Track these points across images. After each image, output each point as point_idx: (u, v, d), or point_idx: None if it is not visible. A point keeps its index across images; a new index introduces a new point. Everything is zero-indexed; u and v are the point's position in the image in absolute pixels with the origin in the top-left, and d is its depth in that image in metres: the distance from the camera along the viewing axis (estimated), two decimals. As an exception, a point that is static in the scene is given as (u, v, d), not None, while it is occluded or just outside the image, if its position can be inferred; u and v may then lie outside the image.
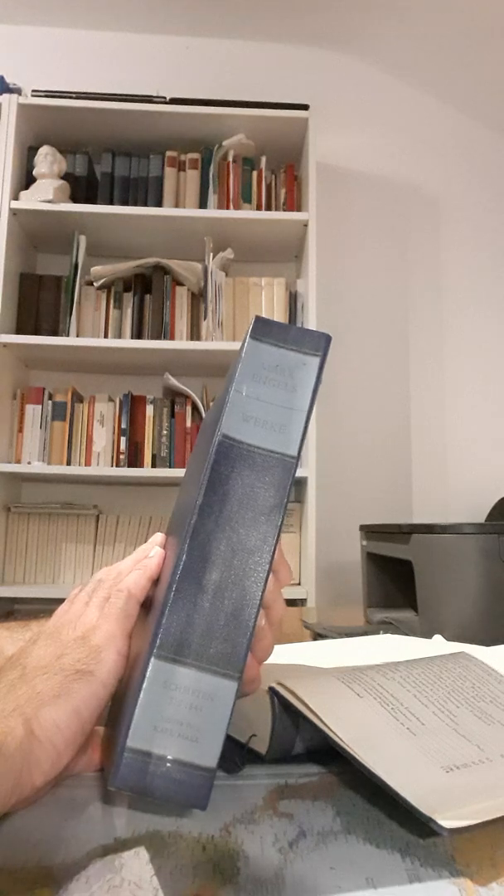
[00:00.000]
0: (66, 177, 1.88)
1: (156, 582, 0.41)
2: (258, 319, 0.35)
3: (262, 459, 0.33)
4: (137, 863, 0.28)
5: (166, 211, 1.86)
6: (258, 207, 1.94)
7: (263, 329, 0.35)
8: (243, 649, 0.32)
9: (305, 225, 1.86)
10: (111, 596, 0.39)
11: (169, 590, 0.32)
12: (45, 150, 1.84)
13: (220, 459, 0.33)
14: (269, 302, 1.90)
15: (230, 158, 1.93)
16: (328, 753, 0.37)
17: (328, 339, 0.35)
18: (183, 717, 0.30)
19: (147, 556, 0.42)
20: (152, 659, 0.31)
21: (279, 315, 1.89)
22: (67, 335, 1.81)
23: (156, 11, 2.12)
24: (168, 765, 0.30)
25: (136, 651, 0.37)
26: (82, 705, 0.33)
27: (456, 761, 0.34)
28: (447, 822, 0.28)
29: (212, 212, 1.87)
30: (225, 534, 0.33)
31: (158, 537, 0.44)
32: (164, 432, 1.84)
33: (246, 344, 0.35)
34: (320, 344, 0.35)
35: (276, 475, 0.33)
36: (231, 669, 0.31)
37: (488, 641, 0.56)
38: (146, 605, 0.40)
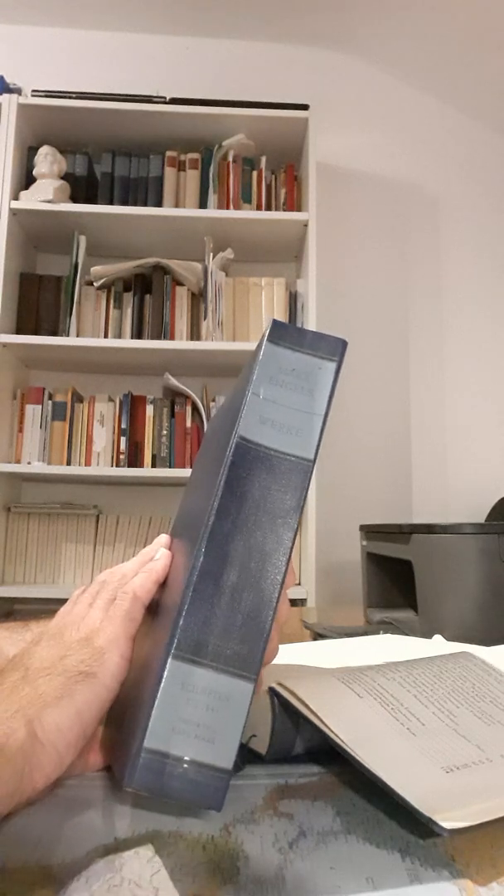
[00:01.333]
0: (66, 177, 1.88)
1: (161, 585, 0.41)
2: (275, 323, 0.35)
3: (279, 462, 0.33)
4: (137, 862, 0.28)
5: (166, 211, 1.86)
6: (258, 207, 1.94)
7: (280, 332, 0.35)
8: (260, 650, 0.32)
9: (305, 225, 1.86)
10: (116, 598, 0.39)
11: (186, 590, 0.32)
12: (45, 150, 1.84)
13: (238, 461, 0.33)
14: (269, 302, 1.90)
15: (230, 158, 1.93)
16: (328, 753, 0.37)
17: (344, 344, 0.35)
18: (200, 719, 0.30)
19: (153, 559, 0.42)
20: (170, 659, 0.31)
21: (279, 315, 1.89)
22: (67, 335, 1.81)
23: (156, 11, 2.12)
24: (185, 766, 0.30)
25: (141, 654, 0.37)
26: (84, 708, 0.33)
27: (456, 761, 0.34)
28: (447, 823, 0.28)
29: (212, 212, 1.87)
30: (242, 536, 0.33)
31: (164, 539, 0.44)
32: (164, 432, 1.84)
33: (263, 347, 0.34)
34: (337, 349, 0.35)
35: (292, 478, 0.33)
36: (248, 671, 0.31)
37: (488, 641, 0.56)
38: (150, 609, 0.40)
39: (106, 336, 1.86)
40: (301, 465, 0.34)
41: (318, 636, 0.79)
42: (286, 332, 0.35)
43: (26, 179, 1.89)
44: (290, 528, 0.33)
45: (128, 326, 1.87)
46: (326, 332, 0.37)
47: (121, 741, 0.35)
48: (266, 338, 0.35)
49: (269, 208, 1.95)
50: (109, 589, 0.40)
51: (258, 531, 0.33)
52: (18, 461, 1.80)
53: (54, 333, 1.83)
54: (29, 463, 1.79)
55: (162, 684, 0.30)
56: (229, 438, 0.34)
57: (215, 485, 0.33)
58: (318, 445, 0.34)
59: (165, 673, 0.31)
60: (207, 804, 0.30)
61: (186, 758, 0.30)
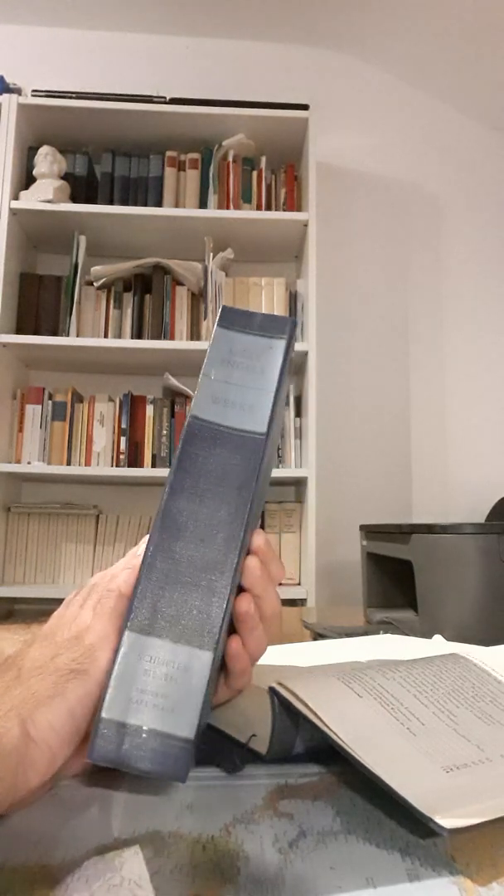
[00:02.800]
0: (66, 177, 1.88)
1: None
2: (225, 308, 0.38)
3: (231, 438, 0.35)
4: (137, 862, 0.28)
5: (166, 211, 1.86)
6: (258, 207, 1.94)
7: (230, 317, 0.37)
8: (218, 619, 0.32)
9: (305, 225, 1.86)
10: (102, 597, 0.39)
11: (143, 564, 0.33)
12: (45, 150, 1.85)
13: (189, 439, 0.35)
14: (269, 302, 1.90)
15: (230, 158, 1.93)
16: (328, 753, 0.37)
17: (294, 322, 0.38)
18: (158, 688, 0.31)
19: (136, 556, 0.42)
20: (126, 631, 0.32)
21: (279, 315, 1.89)
22: (67, 335, 1.81)
23: (156, 11, 2.12)
24: (144, 735, 0.30)
25: None
26: (77, 705, 0.33)
27: (456, 761, 0.34)
28: (447, 822, 0.28)
29: (212, 212, 1.87)
30: (195, 508, 0.34)
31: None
32: (164, 432, 1.84)
33: (214, 332, 0.37)
34: (285, 328, 0.37)
35: (245, 452, 0.35)
36: (206, 640, 0.32)
37: (488, 641, 0.56)
38: None
39: (106, 336, 1.87)
40: (254, 439, 0.35)
41: (318, 636, 0.79)
42: (236, 317, 0.37)
43: (26, 179, 1.89)
44: (245, 500, 0.34)
45: (128, 326, 1.87)
46: (276, 314, 0.39)
47: None
48: (217, 323, 0.37)
49: (269, 208, 1.95)
50: (98, 589, 0.40)
51: (213, 503, 0.34)
52: (18, 461, 1.80)
53: (54, 333, 1.83)
54: (29, 463, 1.79)
55: (119, 656, 0.31)
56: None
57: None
58: (272, 419, 0.36)
59: (122, 645, 0.31)
60: (170, 774, 0.30)
61: (145, 727, 0.30)
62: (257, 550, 0.38)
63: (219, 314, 0.37)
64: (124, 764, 0.30)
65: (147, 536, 0.45)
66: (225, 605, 0.33)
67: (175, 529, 0.34)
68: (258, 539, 0.38)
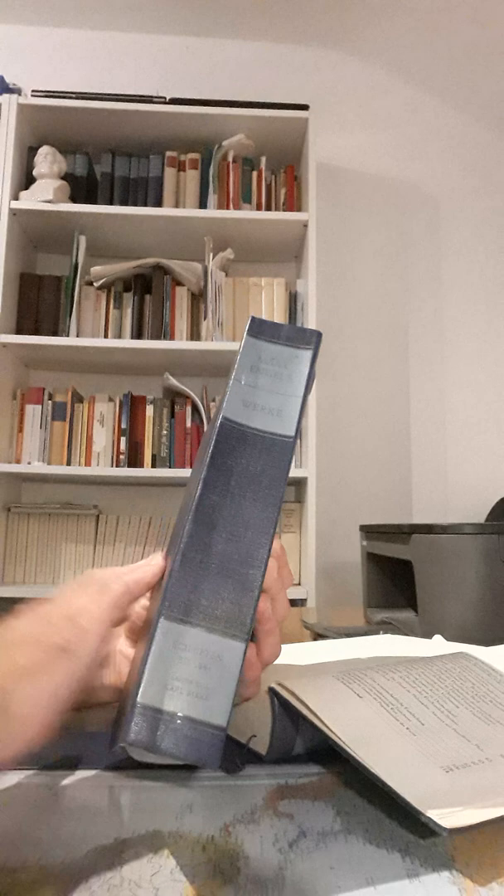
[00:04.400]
0: (66, 177, 1.88)
1: (152, 600, 0.41)
2: (254, 319, 0.39)
3: (262, 440, 0.36)
4: (137, 862, 0.28)
5: (166, 211, 1.86)
6: (258, 207, 1.94)
7: (259, 327, 0.39)
8: (250, 610, 0.33)
9: (305, 225, 1.86)
10: (111, 583, 0.39)
11: (177, 554, 0.34)
12: (45, 150, 1.84)
13: (222, 440, 0.36)
14: (269, 302, 1.90)
15: (230, 158, 1.93)
16: (328, 753, 0.37)
17: (319, 335, 0.39)
18: (192, 676, 0.31)
19: (149, 565, 0.42)
20: (161, 619, 0.32)
21: (279, 315, 1.89)
22: (67, 335, 1.81)
23: (156, 11, 2.12)
24: (178, 721, 0.31)
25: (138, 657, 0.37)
26: (62, 684, 0.33)
27: (456, 761, 0.34)
28: (447, 822, 0.28)
29: (212, 212, 1.87)
30: (228, 505, 0.35)
31: (158, 556, 0.44)
32: (164, 432, 1.84)
33: (244, 341, 0.38)
34: (311, 339, 0.39)
35: (274, 454, 0.36)
36: (238, 630, 0.33)
37: (488, 641, 0.56)
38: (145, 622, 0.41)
39: (106, 336, 1.86)
40: (283, 441, 0.37)
41: (318, 636, 0.79)
42: (264, 327, 0.39)
43: (26, 179, 1.89)
44: (275, 499, 0.36)
45: (128, 326, 1.87)
46: (303, 326, 0.40)
47: (118, 717, 0.36)
48: (246, 332, 0.38)
49: (269, 208, 1.95)
50: (99, 579, 0.40)
51: (244, 501, 0.35)
52: (18, 461, 1.80)
53: (54, 333, 1.83)
54: (29, 463, 1.79)
55: (154, 643, 0.32)
56: (215, 422, 0.37)
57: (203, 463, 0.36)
58: (299, 423, 0.37)
59: (157, 632, 0.32)
60: (203, 761, 0.30)
61: (180, 713, 0.31)
62: (274, 554, 0.38)
63: (248, 324, 0.39)
64: (158, 749, 0.30)
65: (155, 555, 0.46)
66: (256, 598, 0.34)
67: (209, 523, 0.35)
68: (275, 544, 0.39)
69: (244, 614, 0.33)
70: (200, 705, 0.31)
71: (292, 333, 0.39)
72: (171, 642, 0.32)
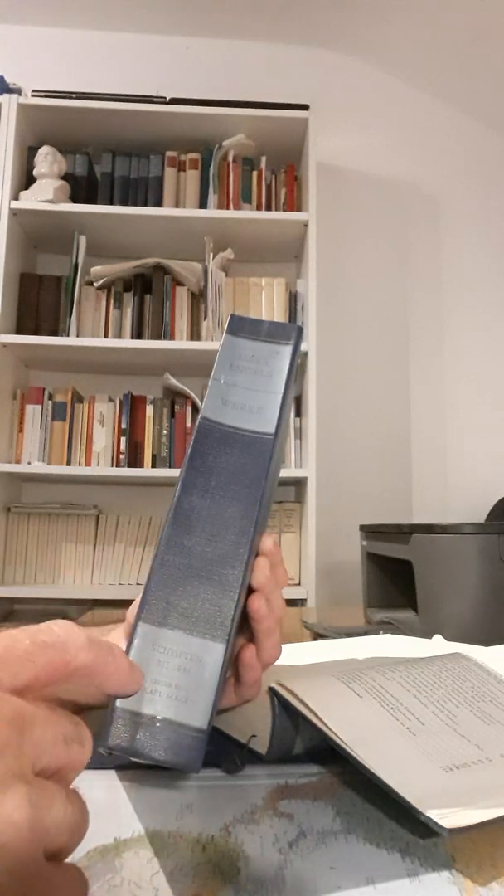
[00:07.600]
0: (66, 177, 1.88)
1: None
2: (233, 317, 0.39)
3: (241, 438, 0.36)
4: (137, 863, 0.28)
5: (166, 211, 1.86)
6: (258, 207, 1.94)
7: (238, 325, 0.39)
8: (231, 612, 0.33)
9: (305, 225, 1.86)
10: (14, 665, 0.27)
11: (155, 558, 0.34)
12: (45, 150, 1.84)
13: (201, 439, 0.36)
14: (269, 302, 1.90)
15: (230, 158, 1.93)
16: (328, 753, 0.37)
17: (299, 329, 0.39)
18: (172, 679, 0.31)
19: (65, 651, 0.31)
20: (140, 623, 0.32)
21: (279, 315, 1.89)
22: (67, 335, 1.81)
23: (156, 11, 2.12)
24: (158, 724, 0.30)
25: None
26: (42, 672, 0.30)
27: (456, 761, 0.34)
28: (447, 822, 0.28)
29: (212, 212, 1.87)
30: (207, 504, 0.35)
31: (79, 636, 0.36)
32: (164, 432, 1.84)
33: (223, 339, 0.38)
34: (291, 334, 0.39)
35: (254, 452, 0.36)
36: (219, 632, 0.32)
37: (488, 641, 0.56)
38: None
39: (106, 336, 1.86)
40: (262, 439, 0.36)
41: (318, 636, 0.79)
42: (244, 324, 0.39)
43: (26, 179, 1.89)
44: (255, 497, 0.35)
45: (128, 326, 1.87)
46: (282, 321, 0.40)
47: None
48: (226, 330, 0.39)
49: (269, 208, 1.95)
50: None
51: (223, 500, 0.35)
52: (18, 461, 1.80)
53: (54, 333, 1.83)
54: (29, 463, 1.79)
55: (133, 647, 0.32)
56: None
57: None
58: (279, 421, 0.37)
59: (135, 636, 0.32)
60: (184, 764, 0.30)
61: (159, 717, 0.30)
62: (266, 552, 0.38)
63: (228, 322, 0.39)
64: (138, 753, 0.30)
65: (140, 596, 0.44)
66: (236, 599, 0.33)
67: (187, 525, 0.34)
68: (268, 541, 0.39)
69: (224, 616, 0.33)
70: (180, 708, 0.31)
71: (273, 329, 0.39)
72: (150, 645, 0.32)
